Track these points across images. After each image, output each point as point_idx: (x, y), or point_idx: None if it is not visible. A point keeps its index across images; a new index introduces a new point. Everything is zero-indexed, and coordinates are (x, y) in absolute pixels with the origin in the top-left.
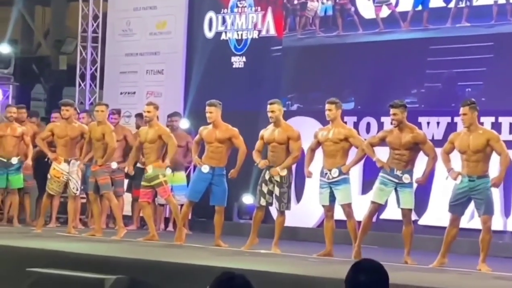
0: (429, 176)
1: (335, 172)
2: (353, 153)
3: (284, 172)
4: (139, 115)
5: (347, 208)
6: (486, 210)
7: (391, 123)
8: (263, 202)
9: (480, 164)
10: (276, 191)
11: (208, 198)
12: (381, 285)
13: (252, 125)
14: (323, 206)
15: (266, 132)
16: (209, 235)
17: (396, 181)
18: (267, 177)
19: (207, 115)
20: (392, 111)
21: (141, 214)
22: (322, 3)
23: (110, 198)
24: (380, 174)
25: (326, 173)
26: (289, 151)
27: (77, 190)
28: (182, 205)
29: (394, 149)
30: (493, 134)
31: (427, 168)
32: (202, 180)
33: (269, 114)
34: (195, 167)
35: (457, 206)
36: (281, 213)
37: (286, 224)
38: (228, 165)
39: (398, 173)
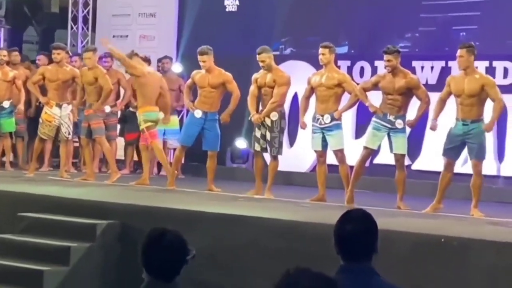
0: (419, 119)
1: (327, 118)
2: (346, 99)
3: (275, 117)
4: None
5: (340, 153)
6: (477, 155)
7: (385, 68)
8: (257, 147)
9: (474, 109)
10: (268, 135)
11: (201, 142)
12: (369, 235)
13: (245, 69)
14: (315, 151)
15: (259, 76)
16: (202, 179)
17: (389, 126)
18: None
19: (201, 64)
20: (386, 57)
21: (135, 158)
22: None
23: (102, 142)
24: (373, 119)
25: (318, 119)
26: None
27: (69, 134)
28: (175, 149)
29: (387, 94)
30: (489, 79)
31: (419, 112)
32: (194, 125)
33: (261, 64)
34: (187, 111)
35: (452, 150)
36: (273, 158)
37: (279, 169)
38: (221, 110)
39: (391, 118)
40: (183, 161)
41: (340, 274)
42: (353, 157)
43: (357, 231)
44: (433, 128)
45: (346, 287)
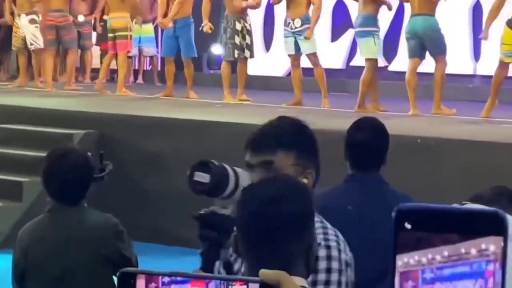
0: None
1: (297, 22)
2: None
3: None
4: None
5: (313, 57)
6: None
7: None
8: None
9: None
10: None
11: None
12: (380, 144)
13: None
14: (289, 55)
15: None
16: (180, 86)
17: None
18: (238, 27)
19: None
20: None
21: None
22: None
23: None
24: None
25: (289, 23)
26: None
27: (31, 44)
28: (151, 57)
29: None
30: None
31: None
32: (168, 37)
33: None
34: None
35: None
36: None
37: (256, 73)
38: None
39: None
40: (159, 69)
41: (348, 183)
42: (330, 60)
43: (368, 139)
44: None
45: (355, 195)
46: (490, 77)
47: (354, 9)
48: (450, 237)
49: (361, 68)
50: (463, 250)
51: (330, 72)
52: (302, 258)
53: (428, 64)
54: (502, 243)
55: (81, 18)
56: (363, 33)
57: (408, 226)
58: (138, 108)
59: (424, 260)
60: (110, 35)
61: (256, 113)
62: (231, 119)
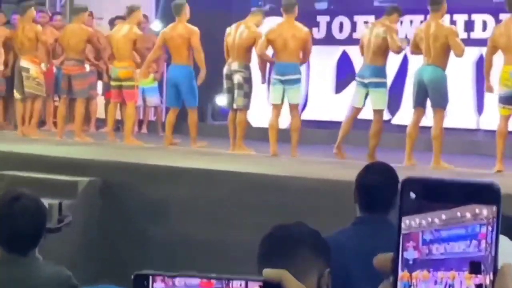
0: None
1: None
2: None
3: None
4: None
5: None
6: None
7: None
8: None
9: None
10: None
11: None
12: (390, 188)
13: (224, 25)
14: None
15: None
16: (184, 136)
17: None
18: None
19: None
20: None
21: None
22: None
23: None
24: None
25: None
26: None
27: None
28: (155, 107)
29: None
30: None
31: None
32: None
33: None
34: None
35: None
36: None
37: (259, 124)
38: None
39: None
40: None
41: (358, 225)
42: (334, 112)
43: (380, 182)
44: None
45: (365, 237)
46: (493, 131)
47: (358, 61)
48: (448, 206)
49: (364, 120)
50: (459, 214)
51: (334, 124)
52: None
53: (431, 118)
54: (495, 210)
55: (87, 68)
56: (376, 84)
57: (412, 195)
58: (143, 156)
59: (424, 223)
60: (114, 83)
61: (260, 163)
62: (235, 168)
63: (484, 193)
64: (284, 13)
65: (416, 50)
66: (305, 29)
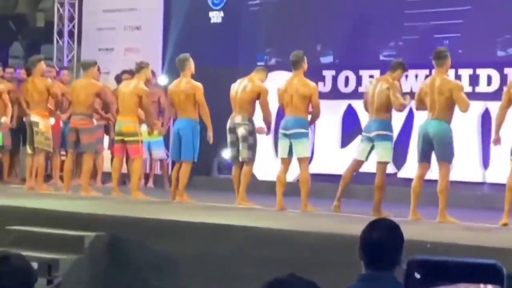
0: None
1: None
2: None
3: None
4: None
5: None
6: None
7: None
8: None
9: None
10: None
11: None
12: (395, 245)
13: (230, 80)
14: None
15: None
16: (189, 191)
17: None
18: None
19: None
20: None
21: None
22: None
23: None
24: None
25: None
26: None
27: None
28: (161, 161)
29: None
30: None
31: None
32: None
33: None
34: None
35: None
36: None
37: (266, 178)
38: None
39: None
40: (169, 172)
41: (363, 282)
42: (340, 166)
43: (384, 240)
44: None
45: None
46: (499, 184)
47: (364, 115)
48: (453, 285)
49: (369, 174)
50: None
51: (339, 178)
52: None
53: (436, 171)
54: None
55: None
56: (382, 137)
57: (417, 275)
58: (149, 210)
59: None
60: (118, 138)
61: (266, 217)
62: (241, 222)
63: (487, 273)
64: (292, 68)
65: (421, 105)
66: (312, 84)
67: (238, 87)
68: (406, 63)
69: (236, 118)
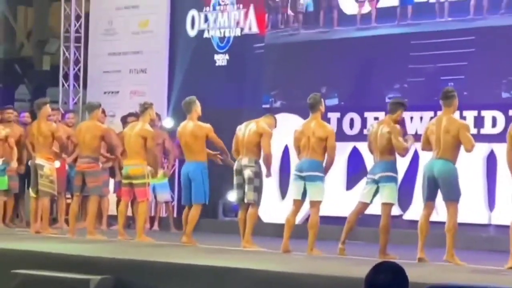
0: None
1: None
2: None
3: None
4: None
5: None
6: None
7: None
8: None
9: None
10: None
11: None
12: (400, 287)
13: (235, 122)
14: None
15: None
16: (195, 233)
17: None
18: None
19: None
20: None
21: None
22: None
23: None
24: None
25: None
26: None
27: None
28: (166, 203)
29: None
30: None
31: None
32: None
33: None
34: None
35: None
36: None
37: (273, 221)
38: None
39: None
40: (175, 215)
41: None
42: (346, 208)
43: (389, 282)
44: None
45: None
46: (505, 226)
47: (369, 157)
48: None
49: (374, 216)
50: None
51: (345, 220)
52: None
53: (442, 213)
54: None
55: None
56: (386, 178)
57: None
58: (155, 253)
59: None
60: (125, 181)
61: (272, 260)
62: (247, 265)
63: None
64: (310, 111)
65: (427, 146)
66: (329, 127)
67: (245, 130)
68: (404, 101)
69: (243, 160)
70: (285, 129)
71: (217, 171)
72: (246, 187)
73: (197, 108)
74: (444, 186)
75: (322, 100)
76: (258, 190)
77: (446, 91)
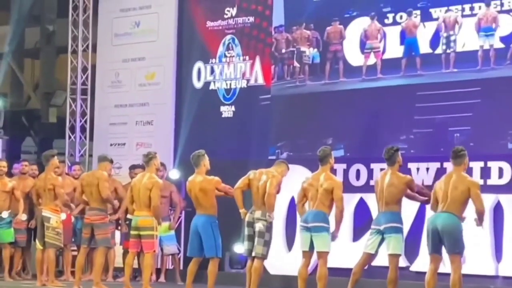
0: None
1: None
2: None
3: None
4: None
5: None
6: None
7: None
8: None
9: None
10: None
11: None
12: None
13: (241, 174)
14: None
15: None
16: (201, 285)
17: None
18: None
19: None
20: None
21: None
22: (312, 49)
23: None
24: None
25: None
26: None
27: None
28: (172, 255)
29: None
30: None
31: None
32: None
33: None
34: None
35: None
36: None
37: (278, 272)
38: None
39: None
40: (181, 267)
41: None
42: (352, 261)
43: None
44: None
45: None
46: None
47: (376, 209)
48: None
49: (381, 267)
50: None
51: (350, 271)
52: None
53: (448, 265)
54: None
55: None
56: (392, 229)
57: None
58: None
59: None
60: (134, 232)
61: None
62: None
63: None
64: (320, 164)
65: (436, 206)
66: (337, 179)
67: (258, 183)
68: (397, 147)
69: (256, 212)
70: (292, 180)
71: (223, 223)
72: (256, 240)
73: (206, 162)
74: (448, 240)
75: (332, 153)
76: (267, 245)
77: (456, 150)
